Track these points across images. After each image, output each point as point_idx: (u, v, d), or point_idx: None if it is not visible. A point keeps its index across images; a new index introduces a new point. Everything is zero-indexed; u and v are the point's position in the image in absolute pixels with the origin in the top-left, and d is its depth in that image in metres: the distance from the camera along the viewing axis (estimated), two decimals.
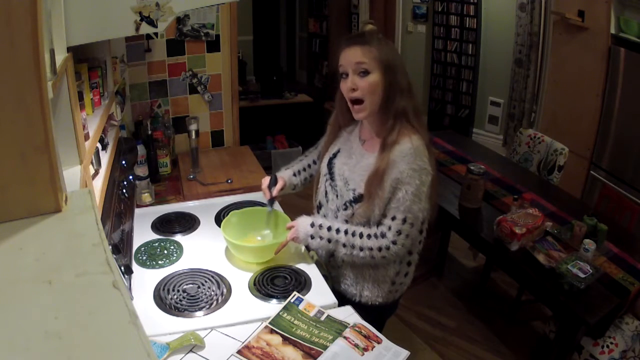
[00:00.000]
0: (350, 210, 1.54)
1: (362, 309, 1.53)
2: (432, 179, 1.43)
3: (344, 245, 1.49)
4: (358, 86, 1.43)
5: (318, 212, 1.67)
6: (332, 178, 1.59)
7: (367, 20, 1.49)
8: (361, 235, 1.47)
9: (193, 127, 2.66)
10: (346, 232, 1.49)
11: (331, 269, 1.68)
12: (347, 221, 1.54)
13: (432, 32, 5.21)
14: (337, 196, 1.58)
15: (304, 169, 1.84)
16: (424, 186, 1.41)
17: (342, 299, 1.59)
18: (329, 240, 1.52)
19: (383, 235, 1.44)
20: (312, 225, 1.55)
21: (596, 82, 3.29)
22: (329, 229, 1.52)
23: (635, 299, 2.02)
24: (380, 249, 1.44)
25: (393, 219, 1.43)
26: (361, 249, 1.47)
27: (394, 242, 1.44)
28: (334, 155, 1.60)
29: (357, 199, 1.51)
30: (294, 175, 1.82)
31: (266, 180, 1.77)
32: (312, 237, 1.55)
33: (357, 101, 1.45)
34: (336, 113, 1.62)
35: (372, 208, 1.46)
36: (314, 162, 1.82)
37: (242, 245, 1.67)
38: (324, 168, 1.64)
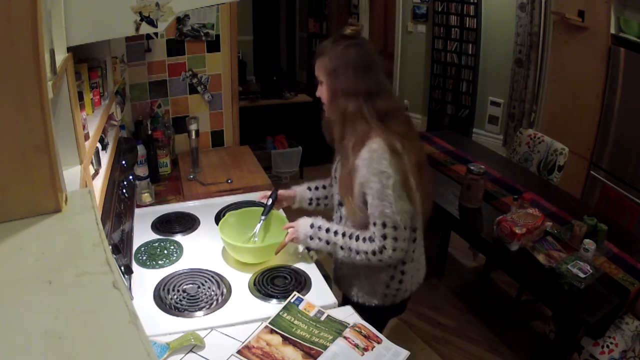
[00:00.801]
0: (339, 213, 1.62)
1: (361, 309, 1.55)
2: (403, 180, 1.42)
3: (342, 248, 1.52)
4: (319, 93, 1.53)
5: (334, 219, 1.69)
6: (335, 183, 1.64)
7: (350, 22, 1.50)
8: (357, 238, 1.49)
9: (193, 127, 2.66)
10: (343, 235, 1.52)
11: (335, 269, 1.73)
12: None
13: (432, 32, 5.21)
14: (335, 209, 1.65)
15: (323, 187, 1.84)
16: (387, 189, 1.40)
17: (344, 299, 1.65)
18: (327, 242, 1.54)
19: (372, 240, 1.46)
20: (312, 226, 1.58)
21: (596, 82, 3.29)
22: (327, 230, 1.55)
23: (635, 299, 2.02)
24: (374, 253, 1.46)
25: (374, 224, 1.45)
26: (357, 252, 1.49)
27: (384, 247, 1.44)
28: (338, 161, 1.62)
29: (341, 203, 1.57)
30: (309, 189, 1.85)
31: (267, 194, 1.86)
32: (311, 238, 1.57)
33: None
34: None
35: (352, 211, 1.50)
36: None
37: (239, 246, 1.67)
38: (332, 174, 1.68)
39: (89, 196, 0.87)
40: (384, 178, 1.40)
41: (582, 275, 1.92)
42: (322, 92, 1.51)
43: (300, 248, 1.78)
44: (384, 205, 1.41)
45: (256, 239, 1.79)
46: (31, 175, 0.76)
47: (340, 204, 1.57)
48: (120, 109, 2.13)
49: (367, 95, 1.44)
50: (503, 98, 4.89)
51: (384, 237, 1.43)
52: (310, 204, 1.84)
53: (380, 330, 1.42)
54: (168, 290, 1.53)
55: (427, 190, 1.55)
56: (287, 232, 1.64)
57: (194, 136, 2.67)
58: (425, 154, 1.61)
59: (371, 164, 1.40)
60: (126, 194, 1.83)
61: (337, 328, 1.39)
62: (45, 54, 0.83)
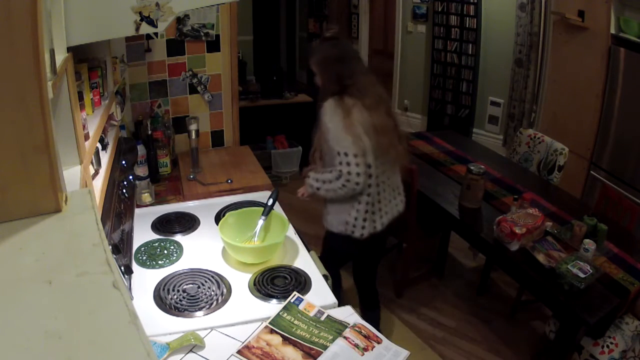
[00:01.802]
0: (317, 160, 2.12)
1: (337, 237, 2.09)
2: (343, 121, 1.89)
3: (324, 182, 2.00)
4: (316, 82, 2.07)
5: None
6: None
7: (328, 27, 2.07)
8: (325, 173, 1.99)
9: (193, 127, 2.66)
10: (317, 180, 2.03)
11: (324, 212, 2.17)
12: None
13: (432, 32, 5.21)
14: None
15: None
16: (336, 129, 1.90)
17: (325, 235, 2.21)
18: (318, 188, 2.03)
19: (335, 169, 1.93)
20: (311, 186, 2.07)
21: (596, 82, 3.28)
22: (317, 180, 2.04)
23: (635, 299, 2.02)
24: (337, 178, 1.93)
25: (338, 154, 1.90)
26: (330, 181, 1.96)
27: (341, 171, 1.91)
28: None
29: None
30: None
31: None
32: (311, 187, 2.06)
33: None
34: None
35: (323, 154, 2.04)
36: None
37: (239, 246, 1.67)
38: None
39: (89, 196, 0.87)
40: (328, 123, 1.91)
41: (582, 275, 1.92)
42: (317, 80, 2.04)
43: (301, 248, 1.79)
44: (334, 144, 1.91)
45: (256, 239, 1.80)
46: (31, 175, 0.76)
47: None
48: (120, 109, 2.13)
49: (341, 78, 1.95)
50: (503, 98, 4.89)
51: (340, 163, 1.90)
52: None
53: (343, 262, 2.22)
54: (168, 290, 1.53)
55: (385, 149, 1.99)
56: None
57: (194, 136, 2.67)
58: (389, 125, 2.03)
59: (322, 117, 1.95)
60: (126, 194, 1.83)
61: (337, 328, 1.39)
62: (45, 54, 0.83)
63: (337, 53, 1.99)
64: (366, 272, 2.38)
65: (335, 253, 2.25)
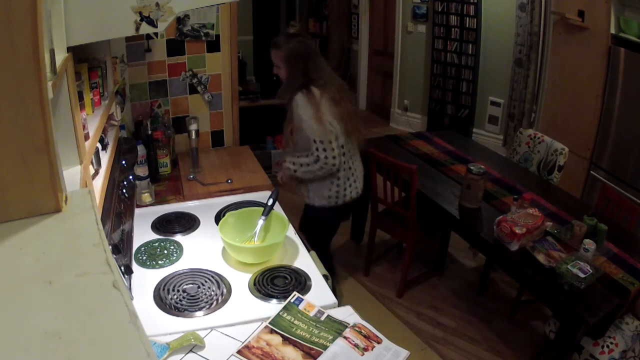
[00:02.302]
0: (291, 145, 2.36)
1: (316, 210, 2.40)
2: (316, 117, 2.16)
3: (301, 165, 2.28)
4: (277, 72, 2.32)
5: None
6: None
7: (292, 24, 2.29)
8: (303, 157, 2.26)
9: (193, 127, 2.66)
10: (294, 163, 2.30)
11: (298, 187, 2.44)
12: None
13: (432, 32, 5.21)
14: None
15: None
16: (310, 120, 2.16)
17: (305, 207, 2.47)
18: (295, 170, 2.30)
19: (313, 154, 2.21)
20: (288, 168, 2.33)
21: (596, 82, 3.28)
22: (293, 163, 2.30)
23: (635, 299, 2.02)
24: (315, 161, 2.21)
25: (314, 142, 2.19)
26: (307, 165, 2.25)
27: (318, 157, 2.20)
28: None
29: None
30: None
31: None
32: (289, 170, 2.32)
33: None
34: None
35: (295, 141, 2.30)
36: None
37: (239, 246, 1.67)
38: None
39: (89, 196, 0.87)
40: (301, 114, 2.17)
41: (582, 275, 1.92)
42: (280, 72, 2.28)
43: (301, 248, 1.79)
44: (311, 130, 2.17)
45: (256, 239, 1.80)
46: (31, 175, 0.76)
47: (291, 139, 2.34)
48: (120, 109, 2.13)
49: (308, 71, 2.21)
50: (503, 98, 4.89)
51: (317, 150, 2.18)
52: None
53: (331, 234, 2.55)
54: (168, 290, 1.53)
55: (351, 133, 2.31)
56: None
57: (194, 136, 2.67)
58: (352, 111, 2.33)
59: (295, 109, 2.19)
60: (126, 194, 1.83)
61: (337, 328, 1.39)
62: (45, 54, 0.83)
63: (304, 49, 2.23)
64: (328, 239, 2.64)
65: (322, 226, 2.51)
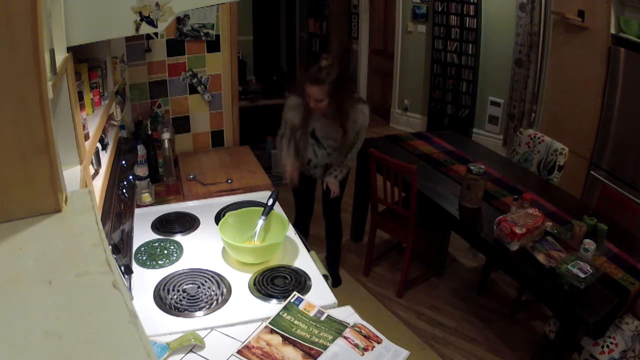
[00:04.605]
0: (323, 145, 2.66)
1: (340, 184, 2.73)
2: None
3: (342, 170, 2.71)
4: (317, 106, 2.46)
5: (308, 165, 2.74)
6: (318, 142, 2.66)
7: (323, 57, 2.42)
8: (341, 165, 2.71)
9: (166, 136, 2.59)
10: (341, 172, 2.71)
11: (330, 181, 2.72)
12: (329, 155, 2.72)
13: (432, 32, 5.21)
14: (324, 149, 2.67)
15: (295, 150, 2.75)
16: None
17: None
18: (342, 177, 2.72)
19: (357, 149, 2.70)
20: (335, 177, 2.69)
21: (596, 82, 3.28)
22: (335, 169, 2.70)
23: (635, 299, 2.02)
24: (353, 157, 2.72)
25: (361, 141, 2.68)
26: (347, 166, 2.73)
27: (360, 148, 2.71)
28: (313, 130, 2.62)
29: (333, 146, 2.66)
30: (294, 156, 2.73)
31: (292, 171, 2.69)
32: (336, 177, 2.69)
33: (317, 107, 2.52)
34: (305, 107, 2.53)
35: (344, 141, 2.64)
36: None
37: (239, 246, 1.67)
38: (309, 139, 2.65)
39: (89, 196, 0.87)
40: (365, 123, 2.60)
41: (582, 275, 1.92)
42: (321, 105, 2.44)
43: (301, 248, 1.79)
44: (364, 135, 2.67)
45: (256, 239, 1.80)
46: (31, 175, 0.76)
47: (333, 148, 2.67)
48: (120, 109, 2.13)
49: (351, 90, 2.63)
50: (503, 98, 4.89)
51: (360, 144, 2.70)
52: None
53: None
54: (168, 290, 1.53)
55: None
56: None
57: (167, 145, 2.61)
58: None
59: (363, 122, 2.58)
60: (126, 194, 1.83)
61: (337, 328, 1.39)
62: (45, 54, 0.83)
63: (343, 76, 2.58)
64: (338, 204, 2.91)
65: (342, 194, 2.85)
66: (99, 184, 1.48)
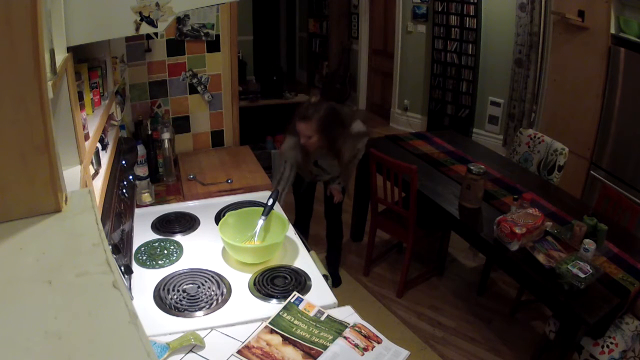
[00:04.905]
0: (326, 170, 2.75)
1: (342, 190, 2.82)
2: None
3: (344, 179, 2.79)
4: (307, 142, 2.48)
5: (313, 176, 2.80)
6: (322, 169, 2.72)
7: (312, 93, 2.53)
8: (343, 175, 2.78)
9: (166, 137, 2.59)
10: (343, 180, 2.79)
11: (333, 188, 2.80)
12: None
13: (432, 32, 5.21)
14: (328, 173, 2.76)
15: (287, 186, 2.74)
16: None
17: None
18: (345, 185, 2.82)
19: (358, 160, 2.81)
20: (339, 184, 2.77)
21: (596, 82, 3.28)
22: (337, 177, 2.76)
23: (635, 299, 2.02)
24: (354, 165, 2.83)
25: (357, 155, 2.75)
26: (351, 172, 2.88)
27: (361, 157, 2.80)
28: (316, 161, 2.68)
29: (337, 171, 2.74)
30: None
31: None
32: (340, 184, 2.78)
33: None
34: (302, 145, 2.54)
35: (344, 164, 2.69)
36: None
37: (239, 246, 1.67)
38: (312, 166, 2.71)
39: (89, 196, 0.87)
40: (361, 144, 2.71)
41: (582, 275, 1.92)
42: (312, 141, 2.45)
43: (301, 248, 1.79)
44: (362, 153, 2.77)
45: (256, 239, 1.80)
46: (31, 175, 0.76)
47: (325, 168, 2.72)
48: (120, 109, 2.13)
49: (344, 124, 2.55)
50: (503, 98, 4.89)
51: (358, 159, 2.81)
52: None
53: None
54: (168, 290, 1.53)
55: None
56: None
57: (166, 145, 2.60)
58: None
59: (361, 143, 2.69)
60: (126, 194, 1.83)
61: (337, 328, 1.39)
62: (45, 54, 0.83)
63: (333, 112, 2.48)
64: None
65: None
66: (99, 184, 1.48)
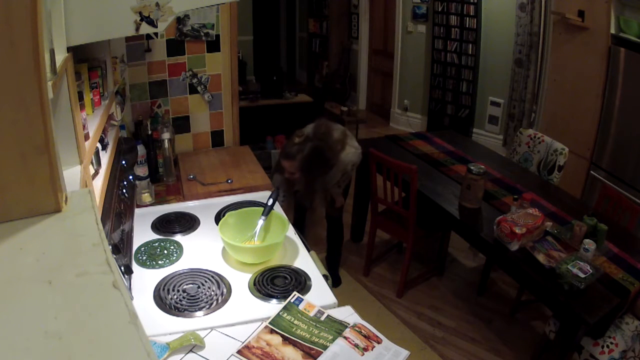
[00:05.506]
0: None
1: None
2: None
3: (339, 185, 2.77)
4: (291, 177, 2.55)
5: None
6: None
7: (297, 133, 2.51)
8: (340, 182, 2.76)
9: (166, 136, 2.59)
10: (339, 186, 2.77)
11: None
12: None
13: (432, 32, 5.21)
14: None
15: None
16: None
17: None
18: (343, 186, 2.80)
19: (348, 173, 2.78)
20: (339, 186, 2.73)
21: (596, 82, 3.28)
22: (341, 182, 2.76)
23: (635, 299, 2.02)
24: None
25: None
26: (349, 178, 2.86)
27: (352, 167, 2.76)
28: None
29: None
30: None
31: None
32: (340, 187, 2.77)
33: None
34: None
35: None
36: None
37: (239, 246, 1.67)
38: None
39: (89, 196, 0.87)
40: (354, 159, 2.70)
41: (582, 275, 1.92)
42: (295, 177, 2.52)
43: (301, 248, 1.79)
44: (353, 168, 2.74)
45: (256, 239, 1.80)
46: (31, 175, 0.76)
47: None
48: (120, 109, 2.12)
49: (328, 160, 2.55)
50: (503, 98, 4.89)
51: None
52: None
53: None
54: (168, 290, 1.53)
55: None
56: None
57: (166, 145, 2.59)
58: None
59: (353, 161, 2.67)
60: (126, 194, 1.83)
61: (337, 328, 1.39)
62: (45, 54, 0.83)
63: (317, 150, 2.46)
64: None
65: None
66: (99, 184, 1.48)
